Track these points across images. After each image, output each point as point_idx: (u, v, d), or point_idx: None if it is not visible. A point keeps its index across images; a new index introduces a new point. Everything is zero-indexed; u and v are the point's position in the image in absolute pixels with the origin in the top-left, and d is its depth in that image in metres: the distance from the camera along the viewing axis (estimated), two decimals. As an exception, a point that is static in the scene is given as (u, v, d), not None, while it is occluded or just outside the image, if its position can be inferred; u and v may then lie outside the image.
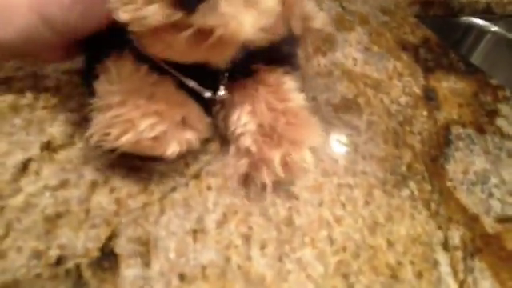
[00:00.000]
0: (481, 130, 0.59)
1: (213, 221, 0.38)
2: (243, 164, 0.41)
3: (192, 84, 0.39)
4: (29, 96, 0.43)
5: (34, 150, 0.39)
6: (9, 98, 0.43)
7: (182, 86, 0.38)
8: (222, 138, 0.44)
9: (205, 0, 0.28)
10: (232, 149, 0.42)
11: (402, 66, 0.68)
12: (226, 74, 0.40)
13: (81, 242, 0.34)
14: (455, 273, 0.40)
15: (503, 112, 0.64)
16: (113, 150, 0.35)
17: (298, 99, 0.43)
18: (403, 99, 0.60)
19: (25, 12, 0.35)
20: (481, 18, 1.05)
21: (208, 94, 0.39)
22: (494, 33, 1.05)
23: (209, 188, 0.41)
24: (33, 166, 0.38)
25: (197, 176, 0.41)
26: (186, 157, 0.42)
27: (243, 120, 0.41)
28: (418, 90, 0.63)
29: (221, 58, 0.35)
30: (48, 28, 0.36)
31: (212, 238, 0.37)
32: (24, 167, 0.37)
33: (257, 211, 0.40)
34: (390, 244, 0.41)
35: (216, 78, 0.40)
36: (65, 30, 0.37)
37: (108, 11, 0.30)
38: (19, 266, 0.31)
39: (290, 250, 0.37)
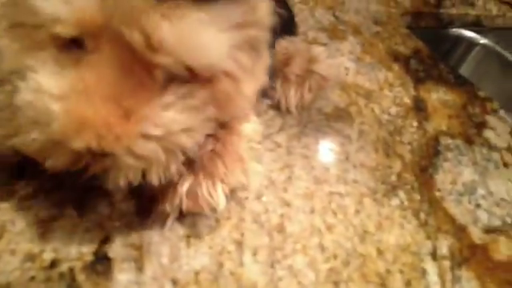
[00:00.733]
0: (469, 142, 0.60)
1: (206, 226, 0.38)
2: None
3: None
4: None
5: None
6: None
7: None
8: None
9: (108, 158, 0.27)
10: None
11: (393, 77, 0.69)
12: None
13: (75, 245, 0.34)
14: (443, 282, 0.41)
15: (491, 124, 0.65)
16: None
17: (243, 128, 0.39)
18: (394, 109, 0.61)
19: None
20: (470, 30, 1.06)
21: None
22: (483, 45, 1.06)
23: (202, 194, 0.41)
24: (27, 170, 0.38)
25: (190, 181, 0.42)
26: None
27: None
28: (408, 101, 0.64)
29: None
30: None
31: (205, 243, 0.37)
32: (20, 170, 0.37)
33: (249, 217, 0.40)
34: (380, 252, 0.41)
35: None
36: None
37: None
38: (13, 268, 0.31)
39: (281, 256, 0.38)
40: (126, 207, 0.38)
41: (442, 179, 0.52)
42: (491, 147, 0.60)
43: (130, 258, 0.34)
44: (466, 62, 1.08)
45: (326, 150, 0.51)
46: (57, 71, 0.27)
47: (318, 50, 0.57)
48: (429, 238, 0.44)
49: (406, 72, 0.71)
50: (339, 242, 0.41)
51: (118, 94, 0.26)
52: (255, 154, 0.40)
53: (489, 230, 0.48)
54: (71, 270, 0.32)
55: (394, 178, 0.50)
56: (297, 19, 0.64)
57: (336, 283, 0.38)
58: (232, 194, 0.39)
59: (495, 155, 0.59)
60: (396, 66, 0.72)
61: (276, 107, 0.54)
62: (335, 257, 0.40)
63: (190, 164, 0.35)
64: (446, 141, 0.58)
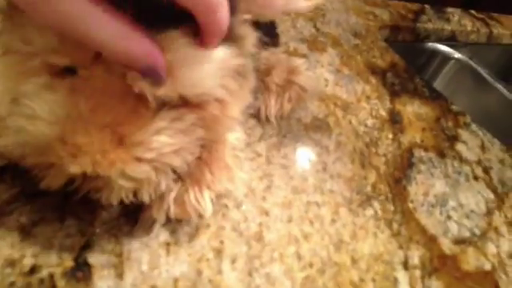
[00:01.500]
0: (441, 155, 0.62)
1: (185, 234, 0.39)
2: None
3: None
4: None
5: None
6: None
7: None
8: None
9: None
10: None
11: (370, 89, 0.71)
12: None
13: (55, 251, 0.34)
14: (413, 291, 0.42)
15: (463, 137, 0.68)
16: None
17: (227, 137, 0.41)
18: (370, 121, 0.63)
19: None
20: (445, 45, 1.10)
21: None
22: (457, 59, 1.10)
23: (182, 201, 0.42)
24: (7, 175, 0.38)
25: (171, 189, 0.42)
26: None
27: None
28: (384, 113, 0.66)
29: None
30: None
31: (184, 250, 0.38)
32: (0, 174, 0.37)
33: (229, 226, 0.41)
34: (354, 261, 0.43)
35: None
36: None
37: None
38: (-7, 274, 0.31)
39: (259, 265, 0.39)
40: (107, 214, 0.38)
41: (415, 191, 0.54)
42: (462, 160, 0.62)
43: (110, 265, 0.35)
44: (440, 76, 1.11)
45: (305, 160, 0.52)
46: (51, 98, 0.28)
47: (298, 62, 0.58)
48: (401, 247, 0.46)
49: (382, 85, 0.73)
50: (315, 251, 0.42)
51: (111, 121, 0.27)
52: (239, 161, 0.41)
53: (458, 241, 0.50)
54: (51, 276, 0.33)
55: (369, 188, 0.51)
56: (278, 30, 0.65)
57: (311, 291, 0.39)
58: (218, 201, 0.40)
59: (466, 168, 0.61)
60: (373, 79, 0.74)
61: (256, 116, 0.55)
62: (311, 265, 0.41)
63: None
64: (419, 153, 0.60)
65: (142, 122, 0.29)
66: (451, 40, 1.10)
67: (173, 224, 0.39)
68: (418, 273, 0.44)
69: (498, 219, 0.55)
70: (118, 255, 0.36)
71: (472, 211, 0.55)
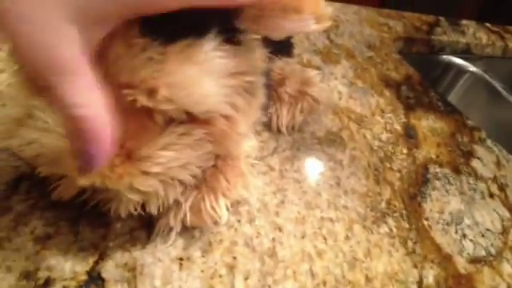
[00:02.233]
0: (457, 171, 0.61)
1: (198, 249, 0.39)
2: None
3: None
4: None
5: (25, 168, 0.39)
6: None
7: None
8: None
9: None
10: None
11: (384, 103, 0.70)
12: None
13: (69, 264, 0.34)
14: (428, 311, 0.42)
15: (478, 154, 0.67)
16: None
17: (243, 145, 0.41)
18: (384, 135, 0.63)
19: None
20: (460, 58, 1.09)
21: None
22: (472, 73, 1.09)
23: (196, 215, 0.41)
24: (24, 185, 0.38)
25: (184, 202, 0.42)
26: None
27: None
28: (398, 127, 0.65)
29: None
30: None
31: (197, 266, 0.37)
32: (15, 185, 0.38)
33: (241, 241, 0.41)
34: (368, 280, 0.42)
35: None
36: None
37: None
38: (8, 286, 0.31)
39: (272, 282, 0.38)
40: (120, 227, 0.38)
41: (430, 208, 0.53)
42: (478, 177, 0.62)
43: (123, 279, 0.35)
44: (455, 89, 1.10)
45: (318, 174, 0.52)
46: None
47: (311, 73, 0.58)
48: (415, 266, 0.45)
49: (397, 98, 0.73)
50: (329, 269, 0.42)
51: (120, 136, 0.27)
52: (253, 169, 0.42)
53: (474, 261, 0.49)
54: (65, 289, 0.33)
55: (383, 205, 0.51)
56: (292, 41, 0.65)
57: (325, 310, 0.38)
58: (234, 208, 0.41)
59: (481, 185, 0.60)
60: (387, 92, 0.73)
61: (268, 126, 0.55)
62: (324, 283, 0.40)
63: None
64: (434, 169, 0.60)
65: (150, 136, 0.30)
66: (466, 53, 1.09)
67: (186, 239, 0.39)
68: (432, 293, 0.44)
69: (513, 238, 0.54)
70: (131, 269, 0.35)
71: (487, 230, 0.54)
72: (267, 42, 0.34)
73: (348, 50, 0.82)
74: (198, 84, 0.27)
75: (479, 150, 0.68)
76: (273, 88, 0.54)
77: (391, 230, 0.48)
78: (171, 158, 0.30)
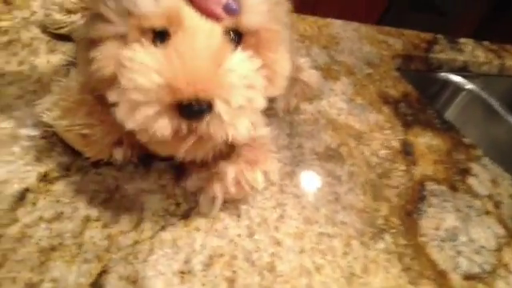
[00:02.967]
0: (453, 188, 0.62)
1: (199, 262, 0.40)
2: (200, 177, 0.45)
3: None
4: (28, 124, 0.45)
5: (31, 180, 0.40)
6: (9, 126, 0.44)
7: None
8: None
9: (209, 111, 0.32)
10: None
11: (383, 119, 0.71)
12: None
13: (73, 276, 0.35)
14: (423, 327, 0.42)
15: (474, 171, 0.68)
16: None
17: (259, 130, 0.46)
18: (383, 152, 0.64)
19: None
20: (457, 75, 1.10)
21: None
22: (469, 90, 1.11)
23: (197, 229, 0.42)
24: (29, 197, 0.39)
25: (186, 216, 0.43)
26: (177, 196, 0.44)
27: None
28: (396, 144, 0.67)
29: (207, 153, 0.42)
30: None
31: (198, 279, 0.38)
32: (21, 197, 0.38)
33: (241, 255, 0.42)
34: (365, 295, 0.43)
35: None
36: None
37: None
38: (13, 297, 0.32)
39: (271, 296, 0.39)
40: (123, 240, 0.39)
41: (426, 224, 0.54)
42: (473, 195, 0.63)
43: (126, 291, 0.35)
44: (452, 106, 1.12)
45: (317, 190, 0.53)
46: (153, 52, 0.33)
47: (301, 60, 0.62)
48: (411, 283, 0.46)
49: (395, 115, 0.74)
50: (327, 284, 0.42)
51: (209, 55, 0.32)
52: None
53: (468, 277, 0.50)
54: (68, 300, 0.33)
55: (380, 221, 0.52)
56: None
57: (322, 325, 0.39)
58: (234, 223, 0.45)
59: (477, 203, 0.61)
60: (386, 109, 0.75)
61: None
62: (322, 298, 0.41)
63: (231, 155, 0.44)
64: (431, 186, 0.61)
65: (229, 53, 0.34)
66: (463, 70, 1.11)
67: (187, 253, 0.40)
68: (428, 309, 0.44)
69: (507, 256, 0.55)
70: (133, 282, 0.36)
71: (482, 247, 0.55)
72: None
73: (348, 66, 0.83)
74: None
75: (475, 167, 0.69)
76: None
77: (388, 246, 0.49)
78: (248, 70, 0.35)
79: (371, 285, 0.44)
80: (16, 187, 0.39)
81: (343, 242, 0.47)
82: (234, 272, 0.40)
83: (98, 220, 0.39)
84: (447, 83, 1.10)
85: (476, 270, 0.51)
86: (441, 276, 0.48)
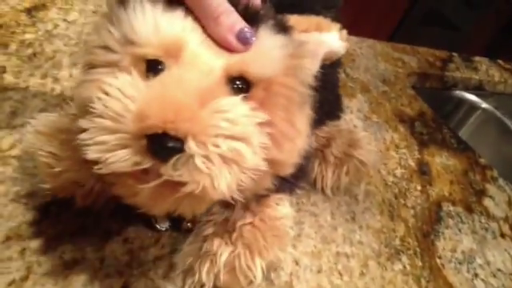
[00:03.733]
0: (469, 209, 0.62)
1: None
2: (190, 252, 0.38)
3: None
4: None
5: (55, 192, 0.41)
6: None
7: None
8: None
9: (179, 151, 0.26)
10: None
11: (398, 138, 0.71)
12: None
13: (95, 291, 0.35)
14: None
15: (490, 192, 0.68)
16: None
17: (278, 209, 0.40)
18: (399, 171, 0.64)
19: None
20: (472, 94, 1.10)
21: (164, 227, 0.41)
22: (484, 109, 1.10)
23: (216, 246, 0.42)
24: (53, 209, 0.39)
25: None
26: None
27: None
28: (412, 164, 0.67)
29: (191, 212, 0.31)
30: None
31: (217, 297, 0.38)
32: (45, 210, 0.39)
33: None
34: (382, 317, 0.43)
35: None
36: None
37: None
38: (38, 311, 0.33)
39: (289, 316, 0.39)
40: (144, 256, 0.39)
41: (443, 246, 0.54)
42: (489, 216, 0.62)
43: (146, 307, 0.36)
44: (466, 125, 1.12)
45: (334, 208, 0.53)
46: (136, 81, 0.29)
47: (359, 135, 0.57)
48: (429, 305, 0.46)
49: (411, 134, 0.74)
50: (344, 304, 0.42)
51: (195, 92, 0.28)
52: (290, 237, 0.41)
53: (485, 301, 0.49)
54: (91, 315, 0.34)
55: (397, 241, 0.52)
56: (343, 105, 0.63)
57: None
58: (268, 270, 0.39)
59: (493, 225, 0.61)
60: (401, 128, 0.75)
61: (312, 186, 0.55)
62: (340, 319, 0.41)
63: (229, 233, 0.37)
64: (447, 207, 0.60)
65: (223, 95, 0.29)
66: (478, 89, 1.11)
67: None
68: (445, 333, 0.44)
69: (524, 279, 0.55)
70: (153, 298, 0.36)
71: (499, 270, 0.54)
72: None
73: (363, 83, 0.84)
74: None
75: (491, 188, 0.69)
76: (319, 149, 0.54)
77: (405, 267, 0.49)
78: (241, 115, 0.29)
79: (388, 307, 0.44)
80: (40, 200, 0.40)
81: (360, 263, 0.47)
82: (253, 290, 0.40)
83: (118, 234, 0.40)
84: (462, 102, 1.10)
85: (493, 293, 0.51)
86: (458, 299, 0.48)
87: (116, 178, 0.29)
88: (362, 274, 0.46)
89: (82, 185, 0.38)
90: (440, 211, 0.59)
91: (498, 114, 1.09)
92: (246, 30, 0.30)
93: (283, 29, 0.33)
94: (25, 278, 0.34)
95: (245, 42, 0.30)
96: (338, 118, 0.58)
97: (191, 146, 0.26)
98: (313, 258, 0.45)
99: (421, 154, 0.70)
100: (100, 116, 0.27)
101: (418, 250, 0.52)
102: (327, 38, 0.36)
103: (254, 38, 0.31)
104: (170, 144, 0.25)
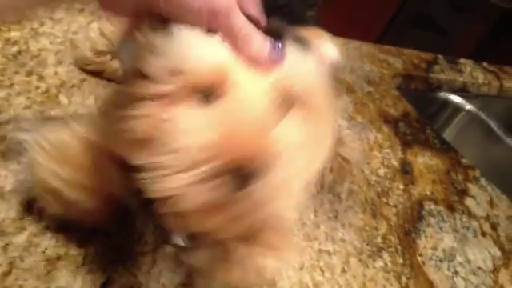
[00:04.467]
0: (451, 208, 0.63)
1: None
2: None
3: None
4: (36, 135, 0.45)
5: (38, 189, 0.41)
6: (17, 136, 0.45)
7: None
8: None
9: (256, 180, 0.27)
10: None
11: (382, 138, 0.72)
12: None
13: (78, 286, 0.35)
14: None
15: (472, 192, 0.69)
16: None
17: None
18: (382, 171, 0.64)
19: None
20: (457, 95, 1.12)
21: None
22: (468, 111, 1.12)
23: (199, 243, 0.43)
24: (36, 206, 0.39)
25: (188, 229, 0.44)
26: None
27: None
28: (395, 163, 0.67)
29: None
30: None
31: (199, 292, 0.39)
32: (28, 206, 0.39)
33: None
34: (363, 313, 0.43)
35: None
36: None
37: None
38: (19, 306, 0.33)
39: (271, 311, 0.40)
40: (127, 252, 0.39)
41: (424, 244, 0.55)
42: (471, 215, 0.63)
43: (129, 303, 0.36)
44: (450, 126, 1.13)
45: (317, 206, 0.53)
46: (198, 113, 0.29)
47: (344, 133, 0.57)
48: (409, 302, 0.47)
49: (394, 134, 0.75)
50: (325, 301, 0.43)
51: (259, 121, 0.28)
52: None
53: (465, 298, 0.50)
54: (73, 310, 0.34)
55: (379, 239, 0.52)
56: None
57: None
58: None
59: (474, 224, 0.62)
60: (385, 128, 0.76)
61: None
62: (321, 315, 0.42)
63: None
64: (429, 206, 0.61)
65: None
66: (463, 91, 1.12)
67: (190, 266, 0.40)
68: (424, 328, 0.45)
69: (504, 277, 0.56)
70: (136, 294, 0.37)
71: (479, 268, 0.55)
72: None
73: (348, 84, 0.85)
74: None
75: (473, 188, 0.70)
76: None
77: (386, 264, 0.50)
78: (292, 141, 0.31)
79: (369, 303, 0.45)
80: (24, 196, 0.40)
81: (342, 260, 0.48)
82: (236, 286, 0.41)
83: (102, 231, 0.40)
84: (446, 103, 1.11)
85: (472, 290, 0.52)
86: (437, 296, 0.49)
87: (197, 213, 0.28)
88: (343, 270, 0.47)
89: (92, 213, 0.37)
90: (422, 210, 0.60)
91: (482, 115, 1.11)
92: (276, 47, 0.31)
93: (302, 42, 0.33)
94: (7, 273, 0.34)
95: (277, 59, 0.31)
96: None
97: (265, 174, 0.27)
98: (295, 255, 0.46)
99: (404, 153, 0.71)
100: (170, 152, 0.27)
101: (399, 247, 0.53)
102: (325, 49, 0.36)
103: (284, 54, 0.31)
104: (252, 173, 0.27)
